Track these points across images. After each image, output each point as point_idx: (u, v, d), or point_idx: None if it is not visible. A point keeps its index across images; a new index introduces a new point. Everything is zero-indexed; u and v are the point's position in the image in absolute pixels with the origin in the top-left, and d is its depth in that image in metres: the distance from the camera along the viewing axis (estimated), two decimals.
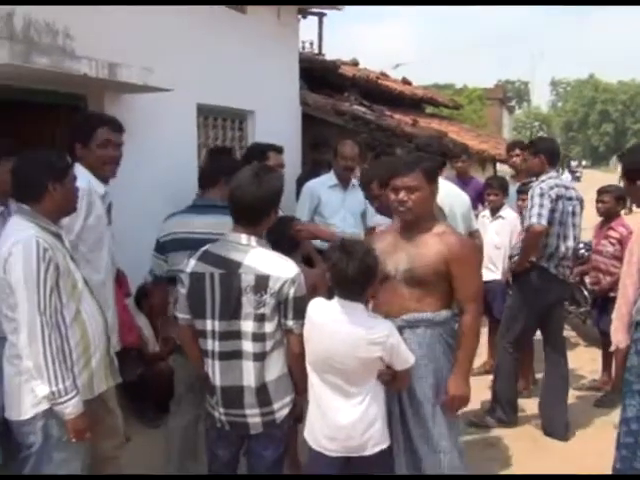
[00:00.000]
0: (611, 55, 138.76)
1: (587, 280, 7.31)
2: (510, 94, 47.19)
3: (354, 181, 6.16)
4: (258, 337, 3.16)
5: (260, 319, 3.14)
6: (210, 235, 3.57)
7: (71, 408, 3.00)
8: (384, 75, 15.36)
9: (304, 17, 10.96)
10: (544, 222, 5.04)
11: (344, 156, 5.94)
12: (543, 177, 5.27)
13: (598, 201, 6.40)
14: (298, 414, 3.45)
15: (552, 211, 5.10)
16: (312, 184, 6.00)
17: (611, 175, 26.13)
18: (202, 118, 7.11)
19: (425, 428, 3.47)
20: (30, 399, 3.03)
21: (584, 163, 65.54)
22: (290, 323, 3.18)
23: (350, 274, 3.11)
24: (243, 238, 3.20)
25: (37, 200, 3.13)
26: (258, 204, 3.21)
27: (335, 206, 5.98)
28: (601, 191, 6.42)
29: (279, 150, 5.29)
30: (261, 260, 3.16)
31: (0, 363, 3.21)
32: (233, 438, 3.36)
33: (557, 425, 5.29)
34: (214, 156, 5.18)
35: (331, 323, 3.17)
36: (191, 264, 3.26)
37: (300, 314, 3.18)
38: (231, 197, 3.25)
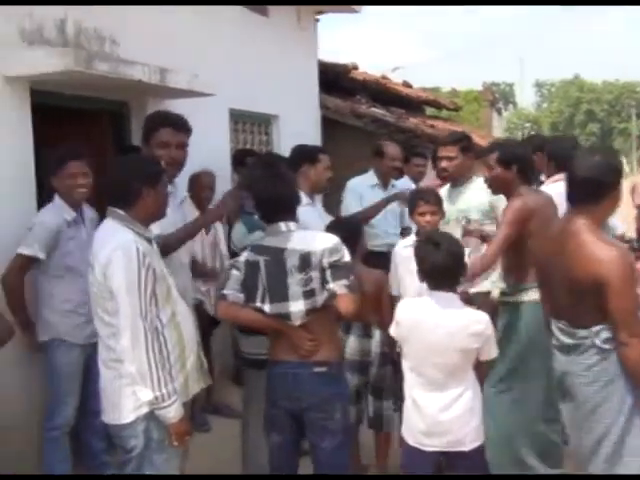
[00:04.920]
0: (595, 56, 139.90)
1: None
2: (497, 96, 47.39)
3: (393, 181, 6.22)
4: (311, 313, 3.25)
5: (310, 295, 3.23)
6: None
7: (173, 412, 3.01)
8: (385, 78, 15.40)
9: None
10: None
11: (392, 156, 6.06)
12: None
13: None
14: None
15: None
16: (355, 184, 6.05)
17: None
18: (233, 123, 7.13)
19: None
20: (131, 402, 3.03)
21: None
22: (331, 285, 3.22)
23: (442, 264, 3.21)
24: (282, 226, 3.32)
25: (131, 205, 3.13)
26: (289, 196, 3.40)
27: None
28: None
29: (325, 152, 5.31)
30: (301, 240, 3.28)
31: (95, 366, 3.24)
32: (284, 424, 3.37)
33: None
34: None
35: (430, 318, 3.22)
36: (245, 254, 3.37)
37: (340, 275, 3.22)
38: (266, 196, 3.35)
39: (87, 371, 4.15)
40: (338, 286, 3.22)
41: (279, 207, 3.35)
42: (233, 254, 4.17)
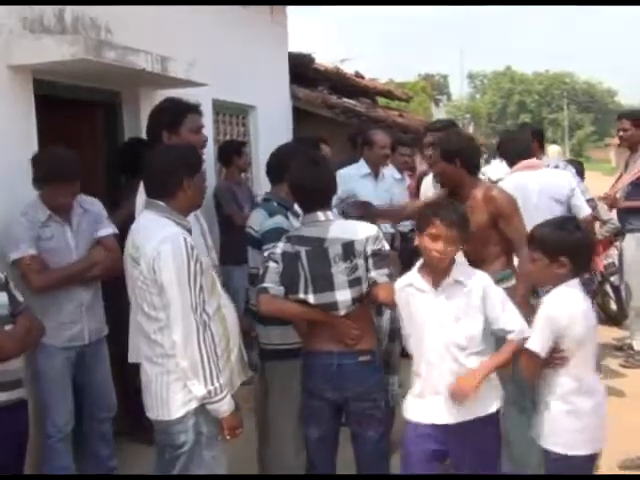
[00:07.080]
0: (526, 47, 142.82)
1: None
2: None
3: (383, 170, 6.25)
4: (356, 301, 3.28)
5: (356, 283, 3.25)
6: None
7: (226, 406, 2.98)
8: (338, 69, 15.41)
9: None
10: None
11: (382, 144, 6.12)
12: None
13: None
14: None
15: None
16: (346, 174, 5.98)
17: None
18: (215, 114, 7.03)
19: None
20: (180, 397, 2.98)
21: None
22: (373, 274, 3.25)
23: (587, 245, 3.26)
24: (320, 215, 3.33)
25: (170, 196, 3.07)
26: (330, 185, 3.44)
27: (369, 196, 5.96)
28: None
29: (326, 142, 5.31)
30: (342, 229, 3.31)
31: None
32: (325, 415, 3.39)
33: None
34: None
35: (582, 307, 3.11)
36: (280, 245, 3.35)
37: (381, 264, 3.26)
38: (307, 184, 3.36)
39: (78, 376, 4.06)
40: (379, 275, 3.25)
41: (319, 196, 3.36)
42: (251, 239, 4.08)
